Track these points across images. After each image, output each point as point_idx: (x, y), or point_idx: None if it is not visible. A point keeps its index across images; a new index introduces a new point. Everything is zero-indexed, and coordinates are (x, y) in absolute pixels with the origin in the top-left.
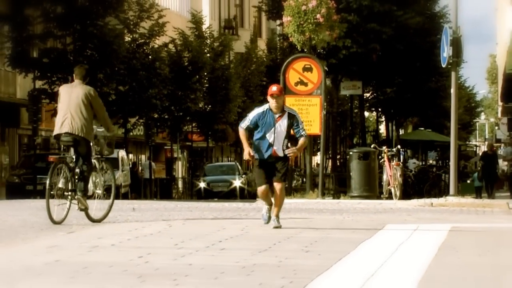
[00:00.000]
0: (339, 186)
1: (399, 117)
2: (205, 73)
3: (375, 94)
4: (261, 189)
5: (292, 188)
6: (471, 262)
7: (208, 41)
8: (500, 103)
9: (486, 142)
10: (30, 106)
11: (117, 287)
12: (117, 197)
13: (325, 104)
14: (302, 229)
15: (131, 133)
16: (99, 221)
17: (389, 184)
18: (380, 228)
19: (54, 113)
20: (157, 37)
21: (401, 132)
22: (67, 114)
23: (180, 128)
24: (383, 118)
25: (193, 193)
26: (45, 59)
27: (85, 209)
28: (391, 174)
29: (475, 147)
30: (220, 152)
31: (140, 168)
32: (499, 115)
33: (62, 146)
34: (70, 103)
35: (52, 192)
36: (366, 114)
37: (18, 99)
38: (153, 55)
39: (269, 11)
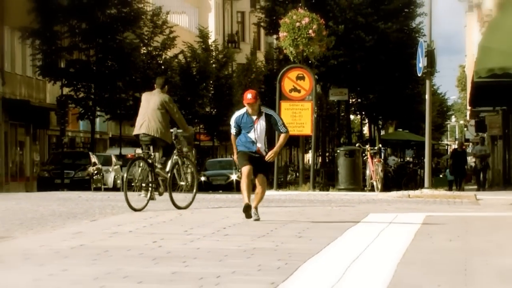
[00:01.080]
0: (328, 180)
1: (380, 120)
2: (211, 81)
3: (359, 100)
4: (245, 169)
5: (287, 182)
6: (443, 246)
7: (214, 53)
8: (468, 108)
9: (456, 142)
10: (58, 110)
11: (134, 268)
12: (133, 189)
13: (315, 108)
14: (295, 217)
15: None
16: (184, 208)
17: (371, 178)
18: (364, 216)
19: (79, 116)
20: (169, 50)
21: (382, 132)
22: (145, 117)
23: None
24: (367, 121)
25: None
26: (71, 69)
27: (161, 193)
28: (373, 169)
29: (446, 146)
30: (224, 150)
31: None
32: (468, 118)
33: (142, 144)
34: (148, 108)
35: (132, 184)
36: (352, 117)
37: (47, 104)
38: (165, 65)
39: (267, 27)
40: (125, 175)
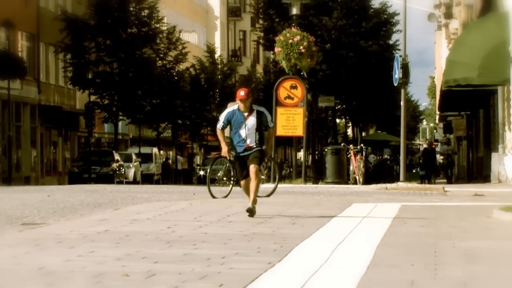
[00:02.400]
0: (317, 175)
1: (362, 123)
2: (217, 90)
3: (344, 106)
4: (242, 183)
5: (282, 176)
6: (416, 231)
7: (219, 66)
8: (437, 112)
9: (427, 142)
10: (86, 115)
11: (151, 250)
12: (150, 182)
13: (306, 113)
14: (289, 206)
15: (161, 135)
16: (267, 196)
17: (354, 173)
18: (348, 206)
19: (104, 119)
20: (181, 63)
21: (364, 134)
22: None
23: (198, 131)
24: (350, 124)
25: (194, 180)
26: (98, 79)
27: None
28: (356, 165)
29: (418, 145)
30: None
31: (170, 161)
32: (437, 121)
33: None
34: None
35: (215, 178)
36: (337, 120)
37: (77, 109)
38: (178, 76)
39: (265, 44)
40: (208, 170)
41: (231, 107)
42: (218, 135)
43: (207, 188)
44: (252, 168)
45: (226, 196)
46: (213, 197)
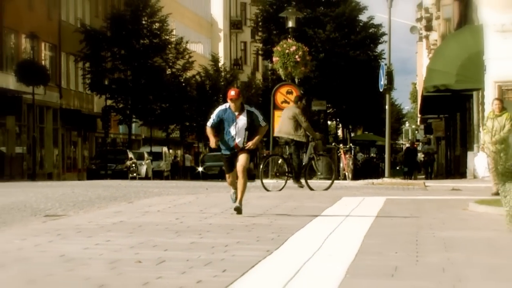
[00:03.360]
0: (311, 171)
1: (351, 125)
2: (221, 95)
3: (335, 109)
4: (227, 177)
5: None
6: (399, 222)
7: (223, 74)
8: (418, 115)
9: (409, 141)
10: (103, 117)
11: (162, 239)
12: (160, 178)
13: None
14: (285, 200)
15: (171, 135)
16: (326, 189)
17: (344, 170)
18: (338, 199)
19: (119, 121)
20: (188, 71)
21: (352, 134)
22: (282, 124)
23: (204, 132)
24: (340, 125)
25: (193, 175)
26: (113, 85)
27: (300, 185)
28: (345, 163)
29: (402, 145)
30: None
31: (179, 159)
32: (418, 123)
33: (280, 143)
34: (284, 117)
35: (272, 173)
36: (329, 122)
37: (95, 113)
38: (185, 83)
39: (263, 53)
40: (261, 166)
41: (223, 105)
42: (207, 132)
43: (260, 181)
44: (240, 167)
45: (280, 190)
46: (267, 190)
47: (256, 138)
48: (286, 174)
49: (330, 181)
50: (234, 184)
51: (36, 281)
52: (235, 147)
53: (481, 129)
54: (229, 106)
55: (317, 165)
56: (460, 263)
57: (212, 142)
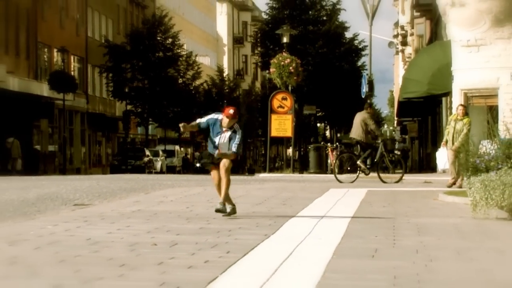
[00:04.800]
0: (302, 166)
1: (337, 126)
2: (225, 101)
3: (323, 113)
4: (212, 175)
5: (275, 167)
6: (379, 210)
7: (227, 82)
8: (395, 118)
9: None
10: (124, 120)
11: (174, 224)
12: (173, 172)
13: (294, 119)
14: (281, 191)
15: (182, 136)
16: (397, 182)
17: (331, 165)
18: (326, 190)
19: (137, 124)
20: (197, 80)
21: (339, 135)
22: (354, 127)
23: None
24: (328, 127)
25: (192, 170)
26: (133, 93)
27: (367, 173)
28: (332, 159)
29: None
30: None
31: (189, 156)
32: (395, 125)
33: (353, 143)
34: (356, 121)
35: (345, 168)
36: (318, 124)
37: (116, 116)
38: (194, 90)
39: (262, 65)
40: (335, 162)
41: (216, 115)
42: (192, 124)
43: (334, 175)
44: (222, 167)
45: (352, 182)
46: (340, 182)
47: (227, 155)
48: (358, 169)
49: (400, 175)
50: (219, 189)
51: (66, 261)
52: (217, 153)
53: (446, 128)
54: (221, 120)
55: (388, 162)
56: (431, 246)
57: (184, 128)
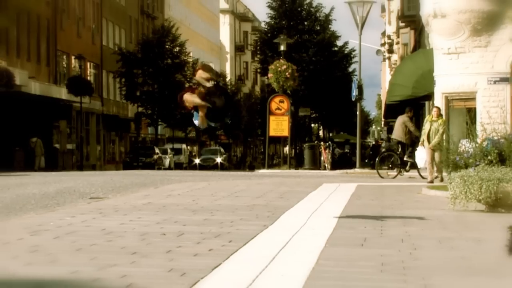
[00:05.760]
0: (298, 163)
1: (329, 127)
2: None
3: (317, 114)
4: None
5: (273, 164)
6: (368, 203)
7: (229, 87)
8: (382, 119)
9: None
10: (135, 121)
11: (181, 216)
12: (180, 169)
13: (290, 120)
14: (278, 185)
15: (188, 135)
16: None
17: (324, 162)
18: (320, 185)
19: (148, 124)
20: None
21: (331, 134)
22: (395, 129)
23: (215, 132)
24: (321, 127)
25: (190, 167)
26: (143, 96)
27: (406, 170)
28: (325, 156)
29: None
30: (235, 145)
31: (195, 153)
32: (382, 125)
33: (393, 143)
34: (397, 124)
35: (387, 164)
36: (312, 125)
37: (129, 117)
38: None
39: (261, 71)
40: (378, 160)
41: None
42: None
43: (377, 171)
44: None
45: (394, 177)
46: (381, 177)
47: None
48: (399, 166)
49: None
50: None
51: (82, 249)
52: None
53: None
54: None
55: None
56: (415, 236)
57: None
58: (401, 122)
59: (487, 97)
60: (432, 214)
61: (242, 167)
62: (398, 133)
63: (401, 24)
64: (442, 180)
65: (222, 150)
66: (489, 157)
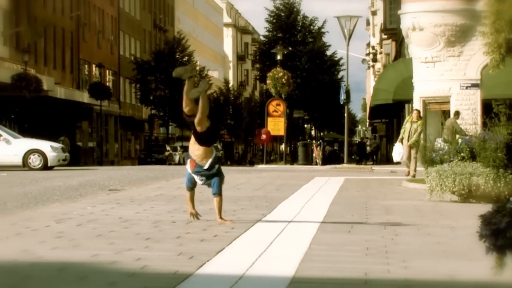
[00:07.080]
0: (292, 159)
1: (320, 127)
2: (230, 106)
3: (309, 116)
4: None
5: (271, 160)
6: (354, 195)
7: (232, 92)
8: (367, 120)
9: (361, 138)
10: (149, 122)
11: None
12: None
13: (286, 121)
14: (275, 179)
15: None
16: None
17: (315, 158)
18: (312, 178)
19: (160, 125)
20: (208, 90)
21: (322, 134)
22: (445, 130)
23: (219, 132)
24: (313, 127)
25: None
26: (156, 100)
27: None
28: (316, 153)
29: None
30: (237, 143)
31: None
32: (367, 126)
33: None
34: (447, 125)
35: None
36: (306, 125)
37: (143, 118)
38: None
39: (260, 78)
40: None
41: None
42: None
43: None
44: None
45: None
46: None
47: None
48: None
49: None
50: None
51: (102, 235)
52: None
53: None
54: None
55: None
56: (396, 223)
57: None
58: (450, 123)
59: (460, 100)
60: (411, 204)
61: (243, 162)
62: (448, 134)
63: (384, 36)
64: (414, 176)
65: (219, 147)
66: (461, 154)
